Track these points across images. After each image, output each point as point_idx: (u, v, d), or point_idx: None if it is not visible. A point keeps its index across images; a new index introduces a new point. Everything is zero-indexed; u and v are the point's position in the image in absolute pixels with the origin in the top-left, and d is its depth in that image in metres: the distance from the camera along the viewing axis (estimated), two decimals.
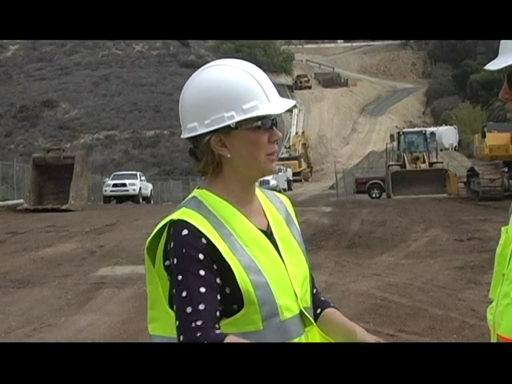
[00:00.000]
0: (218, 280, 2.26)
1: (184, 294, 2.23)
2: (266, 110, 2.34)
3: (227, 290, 2.28)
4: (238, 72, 2.36)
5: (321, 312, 2.60)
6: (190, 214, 2.32)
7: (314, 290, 2.61)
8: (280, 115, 2.40)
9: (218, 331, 2.19)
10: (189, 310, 2.21)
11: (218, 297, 2.25)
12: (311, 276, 2.58)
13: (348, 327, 2.64)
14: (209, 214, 2.34)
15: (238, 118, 2.31)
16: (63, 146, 35.79)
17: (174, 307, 2.27)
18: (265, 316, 2.29)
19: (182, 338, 2.21)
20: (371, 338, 2.53)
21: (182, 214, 2.32)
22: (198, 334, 2.18)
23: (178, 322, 2.23)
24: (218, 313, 2.23)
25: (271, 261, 2.36)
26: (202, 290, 2.22)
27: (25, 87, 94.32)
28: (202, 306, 2.21)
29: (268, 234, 2.42)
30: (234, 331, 2.27)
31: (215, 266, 2.26)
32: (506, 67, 2.19)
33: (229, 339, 2.16)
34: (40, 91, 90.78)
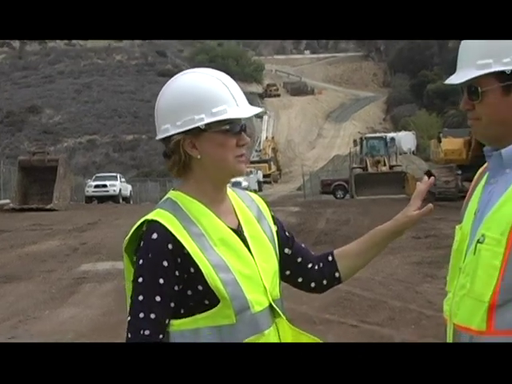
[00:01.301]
0: (176, 287, 2.29)
1: (140, 298, 2.28)
2: (234, 113, 2.35)
3: (200, 288, 2.29)
4: (208, 78, 2.38)
5: (332, 257, 2.66)
6: (164, 215, 2.33)
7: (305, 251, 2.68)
8: (251, 121, 2.42)
9: None
10: (141, 315, 2.26)
11: (172, 304, 2.29)
12: (298, 246, 2.65)
13: (369, 235, 2.67)
14: (182, 215, 2.34)
15: (207, 121, 2.32)
16: (47, 149, 35.47)
17: (129, 302, 2.32)
18: (237, 310, 2.31)
19: (129, 336, 2.28)
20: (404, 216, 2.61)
21: (156, 214, 2.33)
22: None
23: (129, 318, 2.29)
24: (166, 320, 2.29)
25: (240, 258, 2.37)
26: (158, 298, 2.27)
27: (11, 94, 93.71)
28: (153, 316, 2.26)
29: (238, 232, 2.42)
30: (210, 324, 2.30)
31: (177, 273, 2.29)
32: (464, 82, 2.22)
33: None
34: (25, 98, 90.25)
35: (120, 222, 22.80)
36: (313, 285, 2.65)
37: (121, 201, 42.81)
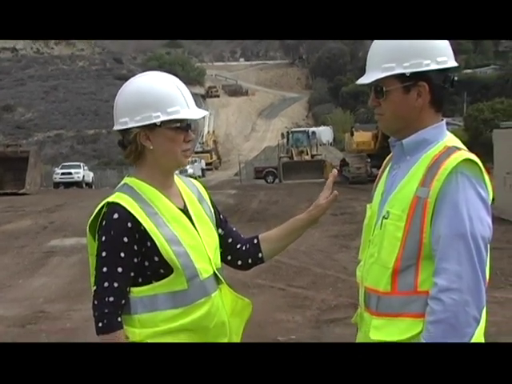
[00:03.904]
0: (135, 259, 2.29)
1: (104, 269, 2.26)
2: (185, 114, 2.34)
3: (156, 259, 2.29)
4: (166, 81, 2.36)
5: (257, 240, 2.66)
6: (123, 197, 2.32)
7: (235, 234, 2.67)
8: (195, 120, 2.42)
9: (119, 319, 2.26)
10: (106, 284, 2.25)
11: (132, 274, 2.29)
12: (229, 228, 2.65)
13: (288, 223, 2.68)
14: (138, 197, 2.33)
15: (162, 118, 2.31)
16: (20, 142, 35.02)
17: (95, 274, 2.31)
18: (188, 277, 2.31)
19: (95, 302, 2.27)
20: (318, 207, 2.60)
21: (117, 197, 2.32)
22: (106, 310, 2.24)
23: (95, 288, 2.29)
24: (128, 288, 2.29)
25: (188, 233, 2.37)
26: (120, 270, 2.26)
27: None
28: (116, 284, 2.25)
29: (185, 211, 2.43)
30: (166, 291, 2.31)
31: (136, 247, 2.28)
32: (372, 82, 2.24)
33: (121, 332, 2.25)
34: (0, 98, 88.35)
35: (83, 204, 22.46)
36: (239, 263, 2.66)
37: (84, 186, 42.35)
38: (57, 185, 41.26)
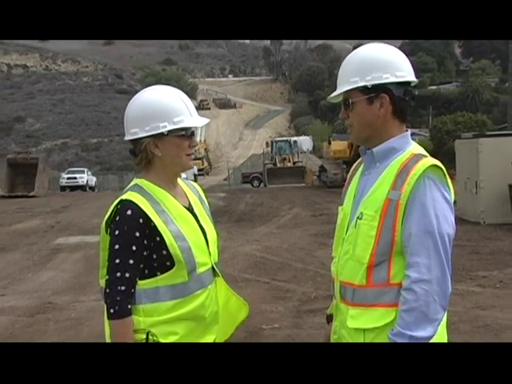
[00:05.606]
0: (144, 253, 2.28)
1: (117, 261, 2.26)
2: (189, 123, 2.36)
3: (164, 252, 2.30)
4: (170, 94, 2.38)
5: None
6: (135, 195, 2.32)
7: None
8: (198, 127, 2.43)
9: (129, 306, 2.25)
10: (118, 274, 2.25)
11: (141, 266, 2.28)
12: None
13: None
14: (148, 196, 2.34)
15: (169, 128, 2.32)
16: (30, 150, 34.79)
17: (108, 265, 2.29)
18: (189, 270, 2.32)
19: (107, 291, 2.26)
20: None
21: (129, 195, 2.32)
22: (118, 298, 2.23)
23: (107, 277, 2.27)
24: (137, 279, 2.28)
25: (192, 230, 2.38)
26: (131, 261, 2.26)
27: (0, 107, 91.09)
28: (127, 274, 2.25)
29: (190, 209, 2.44)
30: (169, 283, 2.31)
31: (146, 242, 2.28)
32: (338, 94, 2.29)
33: (130, 318, 2.24)
34: (12, 110, 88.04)
35: (87, 205, 22.35)
36: None
37: (87, 189, 42.17)
38: (63, 188, 41.10)
